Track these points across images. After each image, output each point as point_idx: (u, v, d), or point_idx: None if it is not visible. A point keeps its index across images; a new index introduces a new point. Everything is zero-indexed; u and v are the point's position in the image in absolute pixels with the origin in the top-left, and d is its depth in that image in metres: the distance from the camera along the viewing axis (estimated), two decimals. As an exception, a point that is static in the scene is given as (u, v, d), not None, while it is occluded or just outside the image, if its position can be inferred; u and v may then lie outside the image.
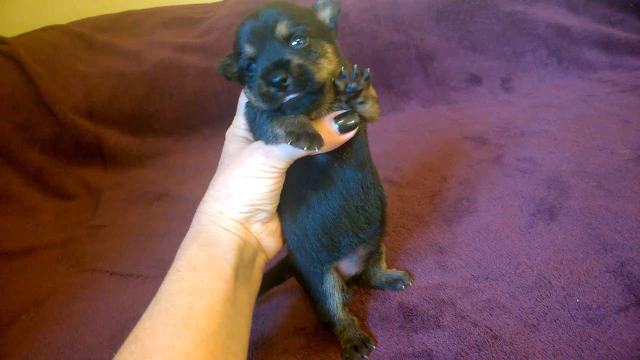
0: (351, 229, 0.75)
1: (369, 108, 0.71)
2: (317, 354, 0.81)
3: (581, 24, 2.05)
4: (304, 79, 0.61)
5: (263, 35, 0.64)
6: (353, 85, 0.65)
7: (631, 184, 1.12)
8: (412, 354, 0.76)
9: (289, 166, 0.68)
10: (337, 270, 0.83)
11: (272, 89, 0.61)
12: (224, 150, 0.75)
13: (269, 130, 0.65)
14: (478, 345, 0.74)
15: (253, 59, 0.65)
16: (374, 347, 0.79)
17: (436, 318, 0.82)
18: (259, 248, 0.73)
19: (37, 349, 0.95)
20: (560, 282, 0.85)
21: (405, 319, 0.84)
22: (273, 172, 0.67)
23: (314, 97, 0.64)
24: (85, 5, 2.40)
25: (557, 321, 0.76)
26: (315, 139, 0.60)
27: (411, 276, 0.95)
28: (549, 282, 0.86)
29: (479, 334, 0.76)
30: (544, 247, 0.96)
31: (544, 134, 1.51)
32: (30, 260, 1.31)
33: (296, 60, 0.61)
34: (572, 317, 0.76)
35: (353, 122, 0.68)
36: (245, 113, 0.74)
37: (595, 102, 1.68)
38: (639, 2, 2.04)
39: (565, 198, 1.11)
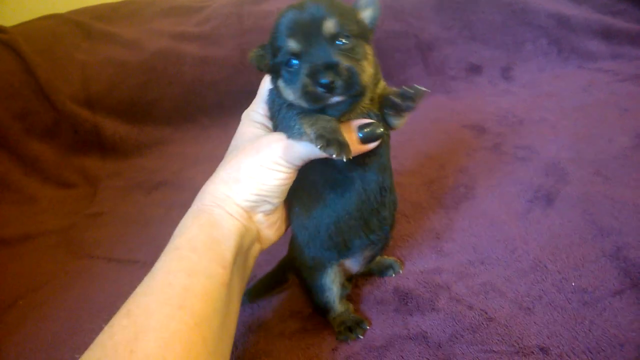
0: (364, 230, 0.75)
1: (401, 120, 0.70)
2: (312, 337, 0.81)
3: (582, 13, 2.04)
4: (351, 82, 0.59)
5: (308, 31, 0.61)
6: (410, 104, 0.65)
7: (629, 171, 1.11)
8: (407, 336, 0.76)
9: (304, 164, 0.67)
10: (340, 265, 0.82)
11: (320, 90, 0.59)
12: (238, 132, 0.74)
13: (296, 127, 0.63)
14: (472, 327, 0.74)
15: (296, 55, 0.62)
16: (368, 327, 0.80)
17: (431, 301, 0.82)
18: (257, 237, 0.72)
19: (34, 333, 0.95)
20: (556, 266, 0.85)
21: (400, 302, 0.84)
22: (288, 167, 0.66)
23: (353, 100, 0.63)
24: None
25: (552, 304, 0.76)
26: (344, 147, 0.58)
27: (402, 263, 0.94)
28: (545, 266, 0.86)
29: (473, 316, 0.76)
30: (541, 232, 0.96)
31: (543, 122, 1.50)
32: (28, 246, 1.31)
33: (345, 63, 0.59)
34: (567, 300, 0.76)
35: (378, 132, 0.66)
36: (269, 101, 0.72)
37: (595, 91, 1.68)
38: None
39: (563, 184, 1.11)
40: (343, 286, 0.83)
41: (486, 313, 0.76)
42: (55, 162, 1.78)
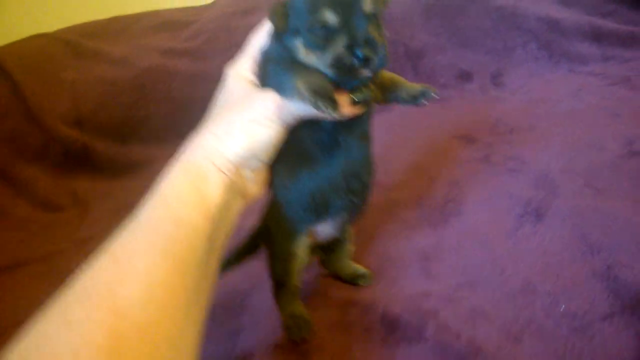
0: (345, 192, 0.76)
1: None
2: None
3: (572, 16, 2.03)
4: (383, 60, 0.62)
5: (348, 6, 0.61)
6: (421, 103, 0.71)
7: (619, 181, 1.10)
8: (394, 369, 0.75)
9: (296, 123, 0.68)
10: (311, 234, 0.84)
11: (356, 63, 0.60)
12: (225, 87, 0.73)
13: (289, 83, 0.64)
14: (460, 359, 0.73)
15: (331, 27, 0.62)
16: (314, 328, 0.83)
17: (419, 330, 0.80)
18: (242, 193, 0.71)
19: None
20: (546, 287, 0.83)
21: (387, 331, 0.82)
22: (280, 125, 0.66)
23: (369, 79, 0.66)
24: (73, 11, 2.38)
25: (541, 331, 0.75)
26: (334, 103, 0.60)
27: (372, 275, 0.97)
28: (534, 288, 0.84)
29: (461, 347, 0.74)
30: (530, 250, 0.94)
31: (533, 130, 1.49)
32: (16, 276, 1.29)
33: (380, 41, 0.62)
34: (557, 326, 0.75)
35: (367, 97, 0.67)
36: (262, 58, 0.72)
37: (586, 95, 1.66)
38: (630, -8, 2.01)
39: (553, 197, 1.10)
40: (305, 259, 0.86)
41: (474, 343, 0.74)
42: (45, 185, 1.76)
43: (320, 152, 0.73)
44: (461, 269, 0.94)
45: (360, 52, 0.59)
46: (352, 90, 0.66)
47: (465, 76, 1.99)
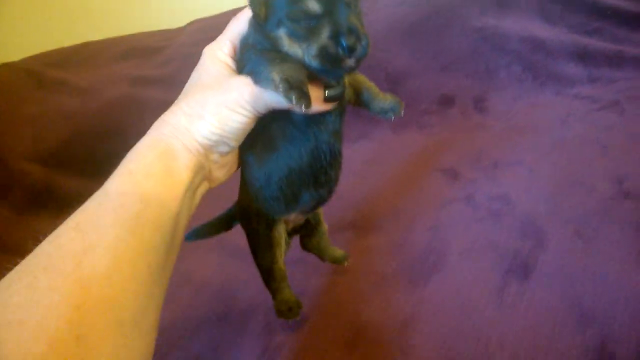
0: (313, 185, 0.77)
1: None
2: None
3: (556, 35, 1.95)
4: (366, 49, 0.62)
5: None
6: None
7: (611, 230, 1.02)
8: None
9: (268, 112, 0.68)
10: (285, 222, 0.88)
11: (341, 52, 0.60)
12: (202, 66, 0.72)
13: (264, 72, 0.63)
14: None
15: (314, 16, 0.61)
16: (302, 309, 0.89)
17: None
18: (208, 176, 0.72)
19: None
20: (534, 368, 0.75)
21: None
22: (251, 112, 0.66)
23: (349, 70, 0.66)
24: (38, 39, 2.29)
25: None
26: (305, 97, 0.59)
27: (347, 255, 1.03)
28: (522, 369, 0.76)
29: None
30: (517, 319, 0.86)
31: (519, 165, 1.41)
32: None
33: (362, 30, 0.62)
34: None
35: (339, 91, 0.68)
36: (241, 44, 0.71)
37: (573, 123, 1.59)
38: (617, 9, 1.94)
39: (541, 250, 1.01)
40: (287, 243, 0.91)
41: None
42: (6, 226, 1.66)
43: (289, 144, 0.73)
44: (442, 342, 0.85)
45: (344, 42, 0.59)
46: (326, 85, 0.67)
47: (446, 101, 1.90)
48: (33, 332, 0.44)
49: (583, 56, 1.91)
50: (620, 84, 1.78)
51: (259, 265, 0.89)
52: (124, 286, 0.52)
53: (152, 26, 2.42)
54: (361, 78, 0.75)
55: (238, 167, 0.80)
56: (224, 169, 0.74)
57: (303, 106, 0.59)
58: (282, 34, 0.65)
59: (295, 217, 0.89)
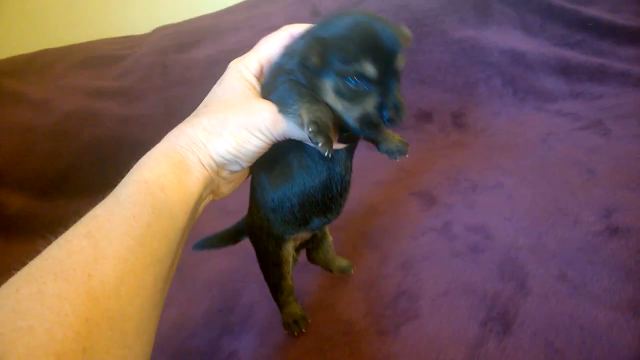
0: (323, 211, 0.82)
1: None
2: None
3: (537, 47, 1.88)
4: (402, 122, 0.65)
5: (385, 61, 0.63)
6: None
7: (599, 273, 0.93)
8: None
9: (284, 140, 0.70)
10: (293, 239, 0.92)
11: (384, 123, 0.64)
12: (227, 82, 0.73)
13: (293, 107, 0.65)
14: None
15: (368, 80, 0.63)
16: (310, 321, 0.95)
17: None
18: (214, 190, 0.73)
19: None
20: None
21: None
22: (270, 139, 0.68)
23: None
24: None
25: None
26: (330, 142, 0.61)
27: (351, 265, 1.12)
28: None
29: None
30: (496, 382, 0.76)
31: (498, 189, 1.32)
32: None
33: (403, 105, 0.64)
34: None
35: (351, 137, 0.74)
36: (273, 69, 0.73)
37: (555, 142, 1.50)
38: (598, 21, 1.86)
39: (522, 296, 0.92)
40: (294, 260, 0.96)
41: None
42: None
43: (304, 173, 0.76)
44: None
45: (387, 114, 0.63)
46: (342, 128, 0.70)
47: (424, 116, 1.82)
48: (42, 341, 0.43)
49: (565, 70, 1.83)
50: (604, 100, 1.70)
51: (268, 280, 0.95)
52: (131, 299, 0.52)
53: (116, 32, 2.29)
54: None
55: (240, 184, 0.82)
56: (230, 185, 0.76)
57: (325, 150, 0.61)
58: (328, 86, 0.66)
59: (303, 235, 0.95)
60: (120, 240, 0.54)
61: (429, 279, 1.03)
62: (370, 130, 0.65)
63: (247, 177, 0.84)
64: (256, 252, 0.93)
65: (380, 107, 0.63)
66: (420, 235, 1.20)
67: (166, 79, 1.86)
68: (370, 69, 0.62)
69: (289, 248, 0.91)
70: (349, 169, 0.80)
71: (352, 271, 1.10)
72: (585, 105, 1.70)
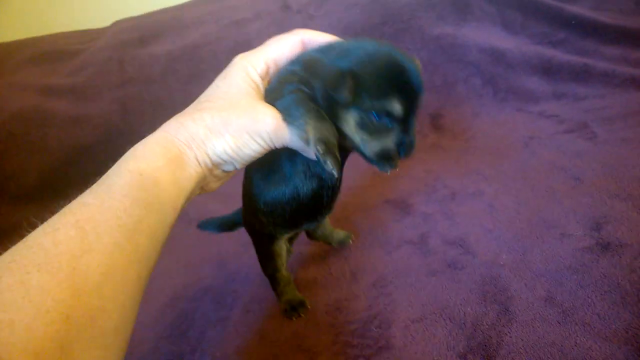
0: (314, 215, 0.86)
1: None
2: None
3: (518, 46, 1.78)
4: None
5: (410, 100, 0.65)
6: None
7: (590, 296, 0.83)
8: None
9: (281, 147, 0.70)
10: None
11: (399, 157, 0.67)
12: (232, 77, 0.71)
13: (300, 120, 0.65)
14: None
15: (392, 117, 0.65)
16: (309, 307, 0.95)
17: None
18: (204, 186, 0.72)
19: None
20: None
21: None
22: (269, 145, 0.68)
23: None
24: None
25: None
26: (338, 165, 0.62)
27: (350, 234, 1.14)
28: None
29: None
30: None
31: (478, 197, 1.22)
32: None
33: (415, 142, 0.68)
34: None
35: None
36: (283, 74, 0.72)
37: (538, 146, 1.41)
38: (581, 19, 1.78)
39: (506, 322, 0.81)
40: (288, 251, 1.00)
41: None
42: None
43: (300, 181, 0.77)
44: None
45: (404, 152, 0.66)
46: (341, 147, 0.69)
47: (400, 117, 1.70)
48: (21, 337, 0.42)
49: (547, 70, 1.75)
50: (588, 102, 1.62)
51: (264, 272, 0.98)
52: (113, 296, 0.51)
53: (73, 26, 2.13)
54: None
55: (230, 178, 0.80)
56: (219, 182, 0.75)
57: (335, 171, 0.61)
58: (350, 118, 0.66)
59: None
60: (109, 233, 0.53)
61: (402, 301, 0.92)
62: (386, 163, 0.68)
63: (235, 173, 0.82)
64: (253, 243, 0.97)
65: (400, 145, 0.66)
66: (394, 250, 1.09)
67: (122, 76, 1.72)
68: (398, 108, 0.64)
69: (281, 244, 0.94)
70: (340, 177, 0.82)
71: (351, 241, 1.13)
72: (568, 107, 1.62)
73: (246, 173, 0.85)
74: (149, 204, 0.58)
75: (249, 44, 1.78)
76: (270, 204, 0.81)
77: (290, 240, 1.03)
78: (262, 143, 0.68)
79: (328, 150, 0.61)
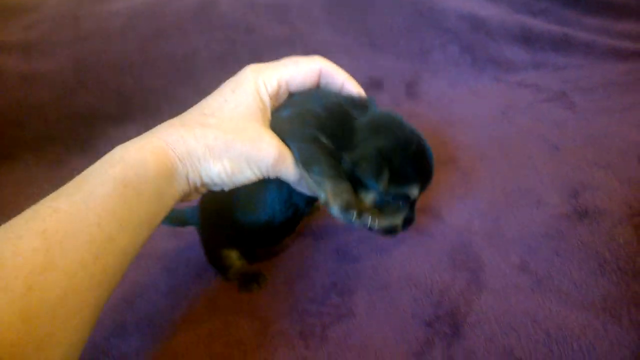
0: (278, 238, 0.87)
1: None
2: None
3: (499, 14, 1.72)
4: None
5: (426, 184, 0.70)
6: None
7: (566, 264, 0.77)
8: None
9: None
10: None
11: (402, 229, 0.71)
12: (243, 94, 0.66)
13: (317, 177, 0.63)
14: None
15: (407, 199, 0.69)
16: (268, 279, 0.87)
17: None
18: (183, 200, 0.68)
19: None
20: None
21: None
22: (263, 175, 0.66)
23: None
24: None
25: None
26: (365, 217, 0.60)
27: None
28: None
29: None
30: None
31: (452, 165, 1.15)
32: None
33: None
34: None
35: None
36: (301, 108, 0.68)
37: (516, 115, 1.35)
38: (563, -12, 1.72)
39: (476, 290, 0.76)
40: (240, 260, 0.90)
41: None
42: None
43: (278, 206, 0.76)
44: None
45: (406, 226, 0.72)
46: None
47: (376, 84, 1.63)
48: None
49: (527, 39, 1.69)
50: (568, 72, 1.57)
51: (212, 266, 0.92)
52: (67, 321, 0.46)
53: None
54: None
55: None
56: (199, 196, 0.70)
57: (364, 224, 0.60)
58: (369, 197, 0.66)
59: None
60: (76, 250, 0.48)
61: (366, 268, 0.86)
62: (388, 235, 0.71)
63: None
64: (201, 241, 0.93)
65: (406, 223, 0.71)
66: (360, 216, 1.02)
67: (77, 31, 1.60)
68: (416, 194, 0.68)
69: (228, 255, 0.89)
70: (311, 203, 0.81)
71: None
72: (548, 77, 1.56)
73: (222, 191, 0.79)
74: (125, 221, 0.54)
75: (213, 5, 1.69)
76: (241, 224, 0.79)
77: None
78: (258, 173, 0.65)
79: (359, 212, 0.60)
